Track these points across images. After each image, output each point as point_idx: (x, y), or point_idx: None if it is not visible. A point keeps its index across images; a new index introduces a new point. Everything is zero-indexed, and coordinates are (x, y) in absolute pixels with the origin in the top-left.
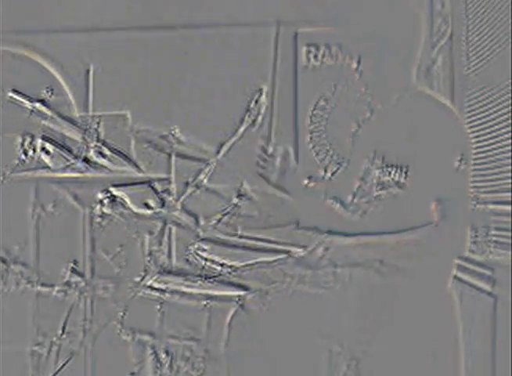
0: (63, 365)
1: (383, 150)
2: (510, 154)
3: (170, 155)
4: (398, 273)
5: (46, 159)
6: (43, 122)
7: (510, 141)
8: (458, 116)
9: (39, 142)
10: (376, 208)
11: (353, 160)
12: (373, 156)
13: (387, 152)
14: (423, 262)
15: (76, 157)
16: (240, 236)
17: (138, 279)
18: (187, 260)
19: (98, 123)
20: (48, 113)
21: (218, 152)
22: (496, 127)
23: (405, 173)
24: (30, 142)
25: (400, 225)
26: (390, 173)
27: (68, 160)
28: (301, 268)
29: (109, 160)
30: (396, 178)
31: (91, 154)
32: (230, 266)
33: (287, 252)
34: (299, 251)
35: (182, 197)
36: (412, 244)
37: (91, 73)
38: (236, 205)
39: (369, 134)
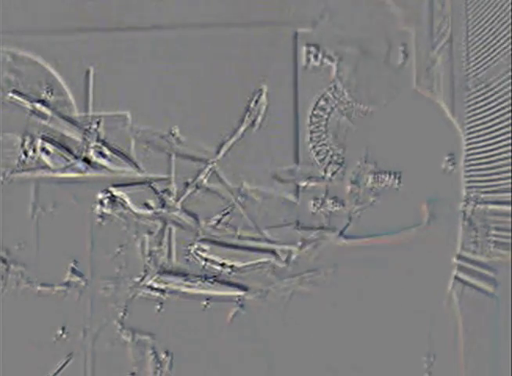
0: (63, 365)
1: (374, 155)
2: (510, 154)
3: (170, 155)
4: (397, 274)
5: (46, 159)
6: (43, 122)
7: (510, 141)
8: (446, 112)
9: (39, 142)
10: (369, 213)
11: (348, 163)
12: (364, 160)
13: (378, 156)
14: (422, 262)
15: (76, 157)
16: (240, 237)
17: (138, 279)
18: (187, 260)
19: (98, 123)
20: (48, 113)
21: (218, 152)
22: (496, 127)
23: (399, 178)
24: (30, 142)
25: (392, 227)
26: (383, 179)
27: (68, 160)
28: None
29: (109, 160)
30: (390, 184)
31: (91, 154)
32: (230, 266)
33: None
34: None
35: (182, 197)
36: (405, 244)
37: (91, 73)
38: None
39: (361, 137)
